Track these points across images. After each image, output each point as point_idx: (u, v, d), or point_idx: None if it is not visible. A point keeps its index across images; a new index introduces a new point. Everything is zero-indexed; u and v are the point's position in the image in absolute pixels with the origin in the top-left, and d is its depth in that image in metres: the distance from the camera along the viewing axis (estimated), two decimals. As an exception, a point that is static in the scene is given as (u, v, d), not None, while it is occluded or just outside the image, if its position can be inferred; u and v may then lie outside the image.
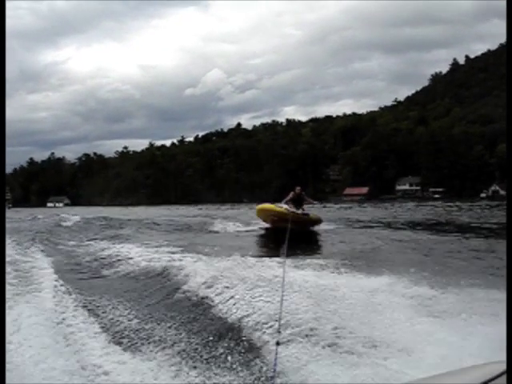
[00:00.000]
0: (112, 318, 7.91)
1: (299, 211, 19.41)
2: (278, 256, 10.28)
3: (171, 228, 26.13)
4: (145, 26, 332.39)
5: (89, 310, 8.31)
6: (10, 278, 11.12)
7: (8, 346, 6.23)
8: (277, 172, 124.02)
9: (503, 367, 1.65)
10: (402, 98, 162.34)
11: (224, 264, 9.96)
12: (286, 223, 17.74)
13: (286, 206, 19.27)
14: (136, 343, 6.68)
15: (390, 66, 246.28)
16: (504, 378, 1.61)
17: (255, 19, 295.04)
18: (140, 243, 16.92)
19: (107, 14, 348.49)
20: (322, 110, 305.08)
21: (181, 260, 11.47)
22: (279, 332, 4.74)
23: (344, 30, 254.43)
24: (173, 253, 13.44)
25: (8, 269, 12.65)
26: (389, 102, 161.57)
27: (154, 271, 11.11)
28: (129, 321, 7.82)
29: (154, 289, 9.85)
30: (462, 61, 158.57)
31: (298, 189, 20.64)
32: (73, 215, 37.78)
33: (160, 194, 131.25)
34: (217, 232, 23.55)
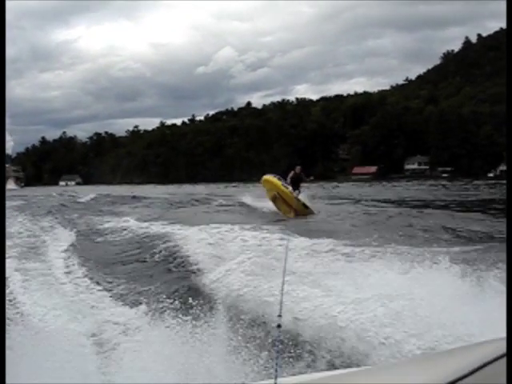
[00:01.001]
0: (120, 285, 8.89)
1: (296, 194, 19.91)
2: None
3: (176, 204, 27.72)
4: (156, 4, 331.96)
5: (94, 279, 9.23)
6: (23, 250, 12.27)
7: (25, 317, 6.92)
8: (286, 151, 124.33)
9: (502, 348, 1.59)
10: (415, 76, 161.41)
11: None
12: (285, 204, 18.77)
13: (290, 189, 19.77)
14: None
15: (403, 44, 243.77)
16: (503, 362, 1.55)
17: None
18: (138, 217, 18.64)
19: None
20: (335, 89, 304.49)
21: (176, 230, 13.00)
22: (280, 316, 4.67)
23: (357, 7, 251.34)
24: (169, 224, 14.90)
25: (19, 241, 13.81)
26: (402, 81, 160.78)
27: (152, 240, 12.52)
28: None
29: (149, 256, 11.04)
30: (474, 39, 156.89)
31: (298, 168, 21.03)
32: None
33: (170, 172, 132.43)
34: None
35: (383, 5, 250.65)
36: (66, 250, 12.55)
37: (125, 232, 15.12)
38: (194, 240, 10.78)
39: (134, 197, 35.21)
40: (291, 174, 20.89)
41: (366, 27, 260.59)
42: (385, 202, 28.08)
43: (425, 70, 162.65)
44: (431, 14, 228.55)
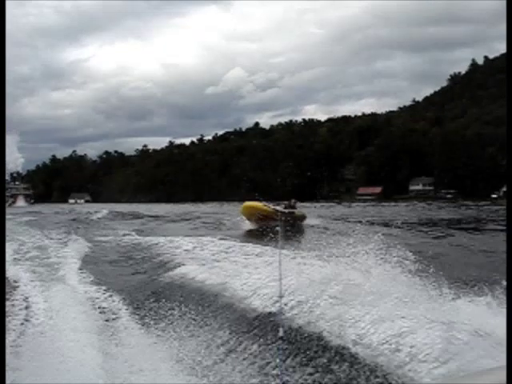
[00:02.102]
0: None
1: (285, 210, 22.91)
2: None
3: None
4: (167, 25, 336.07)
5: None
6: (36, 262, 13.28)
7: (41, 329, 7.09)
8: (292, 171, 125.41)
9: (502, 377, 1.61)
10: (422, 97, 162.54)
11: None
12: (272, 221, 20.34)
13: (273, 206, 22.41)
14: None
15: (412, 65, 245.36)
16: None
17: (277, 18, 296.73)
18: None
19: (130, 12, 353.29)
20: (343, 109, 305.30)
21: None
22: (282, 327, 4.41)
23: (366, 29, 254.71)
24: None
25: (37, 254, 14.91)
26: (409, 102, 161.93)
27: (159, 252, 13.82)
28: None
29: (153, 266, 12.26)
30: (481, 61, 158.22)
31: (292, 201, 25.03)
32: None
33: (177, 191, 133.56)
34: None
35: (392, 26, 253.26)
36: (78, 263, 13.45)
37: (132, 245, 16.45)
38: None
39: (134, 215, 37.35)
40: (287, 203, 24.62)
41: (375, 48, 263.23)
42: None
43: (432, 91, 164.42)
44: (440, 36, 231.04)
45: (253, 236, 18.77)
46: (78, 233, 22.73)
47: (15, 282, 10.82)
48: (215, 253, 12.76)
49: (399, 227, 19.98)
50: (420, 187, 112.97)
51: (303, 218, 24.30)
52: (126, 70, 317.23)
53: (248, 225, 23.55)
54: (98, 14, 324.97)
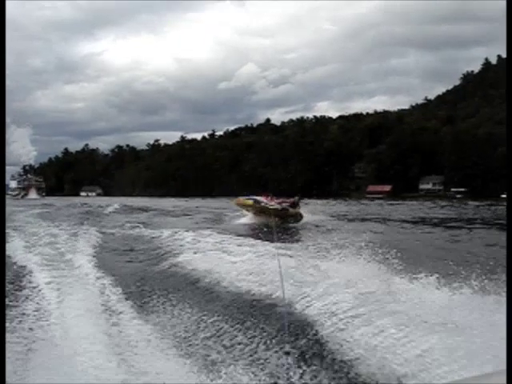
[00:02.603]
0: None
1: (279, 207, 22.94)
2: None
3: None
4: (181, 19, 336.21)
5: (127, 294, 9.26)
6: (48, 256, 13.20)
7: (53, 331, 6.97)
8: (302, 168, 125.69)
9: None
10: (434, 96, 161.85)
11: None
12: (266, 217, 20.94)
13: (271, 202, 22.95)
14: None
15: (425, 63, 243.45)
16: None
17: (291, 14, 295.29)
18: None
19: (144, 6, 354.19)
20: (356, 106, 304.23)
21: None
22: (287, 343, 4.85)
23: (380, 26, 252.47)
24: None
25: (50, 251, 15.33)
26: (423, 100, 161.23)
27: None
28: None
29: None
30: (494, 60, 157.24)
31: (296, 198, 25.02)
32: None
33: (188, 186, 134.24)
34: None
35: (406, 24, 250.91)
36: (90, 257, 13.56)
37: (147, 240, 16.90)
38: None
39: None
40: (292, 200, 24.63)
41: (388, 46, 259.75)
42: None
43: (445, 89, 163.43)
44: (454, 34, 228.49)
45: (248, 230, 19.90)
46: (89, 225, 23.34)
47: (25, 270, 11.26)
48: (212, 244, 13.50)
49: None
50: (430, 186, 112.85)
51: (298, 216, 23.68)
52: (139, 65, 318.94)
53: (245, 219, 24.31)
54: (112, 8, 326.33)
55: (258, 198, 24.03)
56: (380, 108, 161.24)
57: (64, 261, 12.58)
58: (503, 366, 1.89)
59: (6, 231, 19.33)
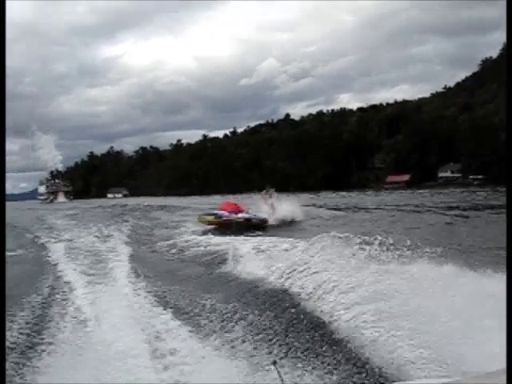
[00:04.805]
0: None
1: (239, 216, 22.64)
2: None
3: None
4: (199, 18, 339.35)
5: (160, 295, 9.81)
6: (82, 257, 15.07)
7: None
8: (322, 161, 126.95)
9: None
10: (455, 82, 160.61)
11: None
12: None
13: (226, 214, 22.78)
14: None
15: (445, 50, 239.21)
16: None
17: (309, 7, 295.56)
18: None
19: (162, 7, 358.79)
20: (378, 97, 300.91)
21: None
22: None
23: (399, 14, 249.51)
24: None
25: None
26: (441, 88, 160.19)
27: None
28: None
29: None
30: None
31: (268, 190, 26.56)
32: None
33: (210, 184, 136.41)
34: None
35: (426, 10, 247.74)
36: (124, 257, 14.91)
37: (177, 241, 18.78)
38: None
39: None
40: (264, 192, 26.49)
41: (408, 33, 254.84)
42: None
43: (464, 76, 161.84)
44: (474, 19, 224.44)
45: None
46: (117, 222, 26.22)
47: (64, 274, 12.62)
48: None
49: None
50: (449, 174, 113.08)
51: (263, 223, 23.27)
52: (160, 65, 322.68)
53: None
54: (131, 10, 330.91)
55: (219, 212, 23.56)
56: (402, 97, 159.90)
57: (103, 263, 13.81)
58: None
59: (45, 235, 22.01)
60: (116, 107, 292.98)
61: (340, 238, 9.34)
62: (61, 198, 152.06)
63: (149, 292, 10.00)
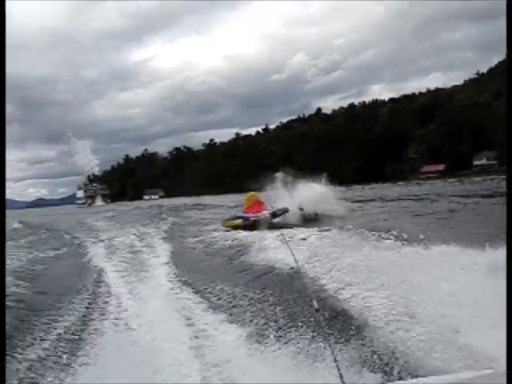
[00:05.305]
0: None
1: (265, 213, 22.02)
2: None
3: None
4: (227, 17, 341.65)
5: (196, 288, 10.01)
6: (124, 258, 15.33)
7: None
8: (354, 154, 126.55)
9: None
10: (489, 68, 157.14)
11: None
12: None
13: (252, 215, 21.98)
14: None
15: (477, 35, 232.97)
16: None
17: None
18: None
19: (189, 8, 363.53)
20: (410, 86, 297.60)
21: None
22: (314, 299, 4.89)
23: (428, 1, 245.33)
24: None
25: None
26: (473, 75, 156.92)
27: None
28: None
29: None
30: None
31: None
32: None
33: (244, 182, 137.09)
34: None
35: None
36: (165, 257, 14.97)
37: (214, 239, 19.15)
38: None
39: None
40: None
41: (439, 20, 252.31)
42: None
43: (497, 61, 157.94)
44: (505, 1, 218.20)
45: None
46: (154, 222, 27.51)
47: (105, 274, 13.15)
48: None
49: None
50: (484, 161, 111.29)
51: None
52: (190, 66, 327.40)
53: None
54: (158, 14, 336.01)
55: (245, 214, 22.47)
56: (435, 85, 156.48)
57: (143, 263, 14.15)
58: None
59: (85, 235, 23.24)
60: (148, 109, 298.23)
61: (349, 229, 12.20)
62: (98, 201, 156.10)
63: (176, 277, 11.52)
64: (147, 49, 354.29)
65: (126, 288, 10.49)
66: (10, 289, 9.93)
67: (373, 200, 35.26)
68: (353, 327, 6.16)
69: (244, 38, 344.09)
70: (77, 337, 7.25)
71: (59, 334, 7.34)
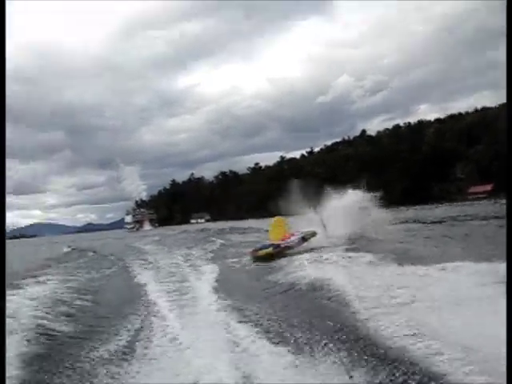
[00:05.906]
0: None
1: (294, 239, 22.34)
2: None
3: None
4: (271, 42, 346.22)
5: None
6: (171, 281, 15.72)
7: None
8: (400, 175, 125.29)
9: None
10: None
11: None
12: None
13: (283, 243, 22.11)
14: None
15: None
16: None
17: (379, 20, 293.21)
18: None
19: (233, 34, 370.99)
20: (457, 106, 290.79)
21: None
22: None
23: (473, 19, 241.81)
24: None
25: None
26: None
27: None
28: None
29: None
30: None
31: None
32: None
33: (289, 205, 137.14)
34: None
35: (497, 13, 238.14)
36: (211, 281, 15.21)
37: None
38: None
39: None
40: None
41: (484, 38, 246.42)
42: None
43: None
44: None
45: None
46: (200, 245, 28.67)
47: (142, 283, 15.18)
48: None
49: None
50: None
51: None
52: (235, 90, 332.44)
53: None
54: (203, 40, 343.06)
55: (274, 243, 22.25)
56: (481, 104, 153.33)
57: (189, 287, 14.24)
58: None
59: (135, 257, 24.41)
60: (195, 134, 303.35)
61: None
62: (146, 225, 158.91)
63: (216, 290, 12.82)
64: (192, 75, 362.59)
65: (172, 307, 11.26)
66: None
67: (406, 222, 35.21)
68: None
69: (288, 60, 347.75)
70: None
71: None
